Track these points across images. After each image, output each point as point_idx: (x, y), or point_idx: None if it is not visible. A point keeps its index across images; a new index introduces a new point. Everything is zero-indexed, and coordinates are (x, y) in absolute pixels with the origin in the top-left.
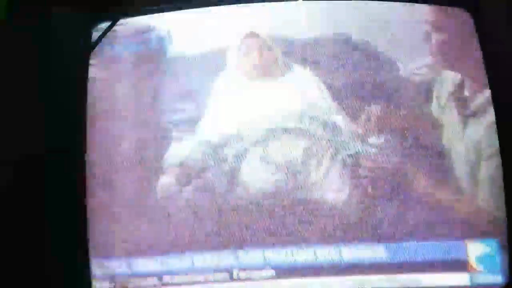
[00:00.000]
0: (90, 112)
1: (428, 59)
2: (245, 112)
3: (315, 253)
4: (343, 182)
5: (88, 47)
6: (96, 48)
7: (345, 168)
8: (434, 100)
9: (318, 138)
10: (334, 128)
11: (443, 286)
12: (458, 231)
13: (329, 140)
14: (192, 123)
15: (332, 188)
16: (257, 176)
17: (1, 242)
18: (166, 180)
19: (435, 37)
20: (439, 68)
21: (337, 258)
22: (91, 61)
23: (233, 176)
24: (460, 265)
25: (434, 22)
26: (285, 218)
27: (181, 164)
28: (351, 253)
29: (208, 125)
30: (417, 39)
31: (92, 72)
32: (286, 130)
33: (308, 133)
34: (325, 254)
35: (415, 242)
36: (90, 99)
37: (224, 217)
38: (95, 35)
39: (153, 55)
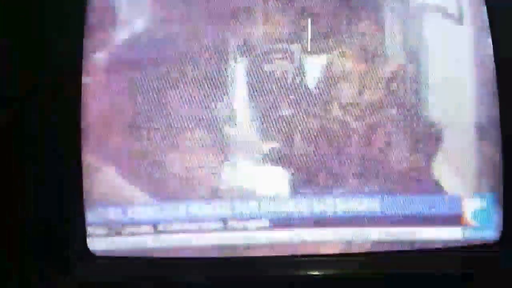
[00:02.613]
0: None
1: None
2: None
3: (310, 205)
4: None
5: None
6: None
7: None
8: None
9: None
10: None
11: (437, 240)
12: (454, 184)
13: None
14: None
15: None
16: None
17: None
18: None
19: None
20: None
21: (332, 210)
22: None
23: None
24: (455, 219)
25: None
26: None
27: None
28: (346, 205)
29: None
30: None
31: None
32: None
33: None
34: (320, 206)
35: (410, 195)
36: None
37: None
38: None
39: None
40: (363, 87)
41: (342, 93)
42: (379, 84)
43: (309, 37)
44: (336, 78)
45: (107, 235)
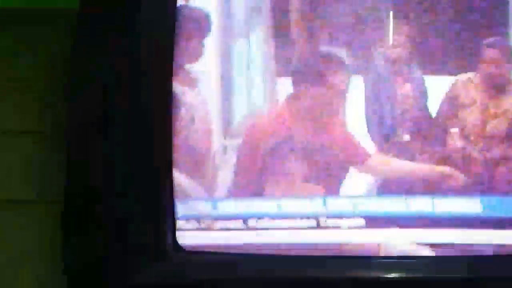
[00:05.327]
0: None
1: None
2: None
3: (406, 204)
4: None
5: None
6: None
7: None
8: None
9: None
10: None
11: None
12: None
13: None
14: None
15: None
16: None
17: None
18: None
19: None
20: None
21: (430, 209)
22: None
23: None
24: None
25: None
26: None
27: None
28: (445, 205)
29: None
30: None
31: None
32: None
33: None
34: (417, 205)
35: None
36: None
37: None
38: None
39: None
40: (488, 117)
41: (465, 122)
42: (505, 115)
43: (431, 60)
44: (458, 106)
45: (197, 229)
